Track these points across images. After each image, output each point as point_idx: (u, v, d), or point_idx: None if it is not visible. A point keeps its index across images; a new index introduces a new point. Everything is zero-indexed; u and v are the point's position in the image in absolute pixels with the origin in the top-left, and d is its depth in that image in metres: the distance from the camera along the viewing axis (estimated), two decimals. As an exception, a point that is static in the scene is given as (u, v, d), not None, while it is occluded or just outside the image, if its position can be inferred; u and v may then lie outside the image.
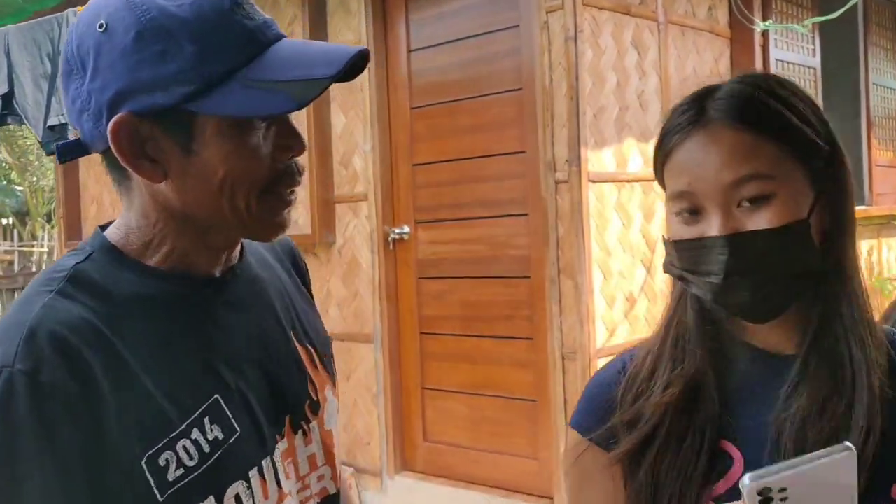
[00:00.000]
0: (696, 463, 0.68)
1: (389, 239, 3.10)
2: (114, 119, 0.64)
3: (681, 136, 0.69)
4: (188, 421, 0.65)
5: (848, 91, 4.35)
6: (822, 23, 3.71)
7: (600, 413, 0.75)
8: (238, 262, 0.76)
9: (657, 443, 0.70)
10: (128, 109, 0.63)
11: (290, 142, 0.69)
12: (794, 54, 3.72)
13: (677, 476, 0.68)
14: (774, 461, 0.59)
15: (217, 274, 0.73)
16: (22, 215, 12.28)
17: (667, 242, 0.73)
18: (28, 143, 11.08)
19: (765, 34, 3.43)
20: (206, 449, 0.66)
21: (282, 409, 0.74)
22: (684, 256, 0.70)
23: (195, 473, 0.65)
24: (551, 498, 2.70)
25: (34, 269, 10.05)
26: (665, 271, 0.75)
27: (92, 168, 4.06)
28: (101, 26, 0.64)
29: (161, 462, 0.63)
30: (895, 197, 4.63)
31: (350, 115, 3.18)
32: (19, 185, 12.49)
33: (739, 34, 3.34)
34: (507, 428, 2.84)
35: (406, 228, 3.08)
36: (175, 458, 0.64)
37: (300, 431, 0.76)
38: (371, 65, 3.07)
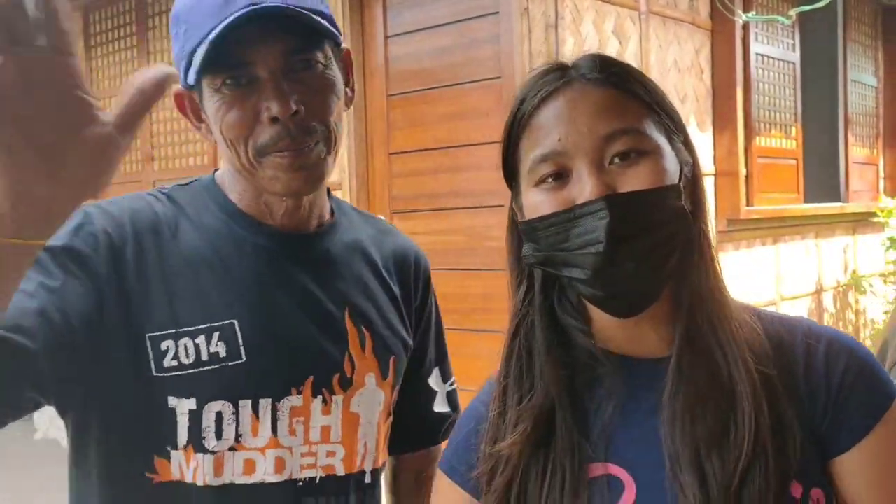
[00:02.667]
0: (562, 500, 0.62)
1: (365, 229, 3.05)
2: (177, 92, 0.81)
3: (543, 97, 0.65)
4: (197, 326, 0.74)
5: (826, 87, 4.37)
6: (801, 18, 3.71)
7: (467, 454, 0.69)
8: (329, 223, 0.86)
9: (516, 487, 0.64)
10: (182, 83, 0.79)
11: (268, 104, 0.74)
12: (774, 48, 3.72)
13: None
14: (672, 480, 0.58)
15: (297, 228, 0.82)
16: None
17: (525, 224, 0.66)
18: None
19: (745, 28, 3.42)
20: (204, 357, 0.74)
21: (308, 368, 0.79)
22: (552, 234, 0.63)
23: (185, 372, 0.73)
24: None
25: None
26: (525, 263, 0.67)
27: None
28: None
29: (162, 347, 0.73)
30: (871, 194, 4.67)
31: (326, 102, 3.12)
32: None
33: (720, 26, 3.33)
34: (482, 421, 2.83)
35: (382, 218, 3.04)
36: (174, 349, 0.73)
37: (320, 397, 0.79)
38: (348, 50, 3.02)
